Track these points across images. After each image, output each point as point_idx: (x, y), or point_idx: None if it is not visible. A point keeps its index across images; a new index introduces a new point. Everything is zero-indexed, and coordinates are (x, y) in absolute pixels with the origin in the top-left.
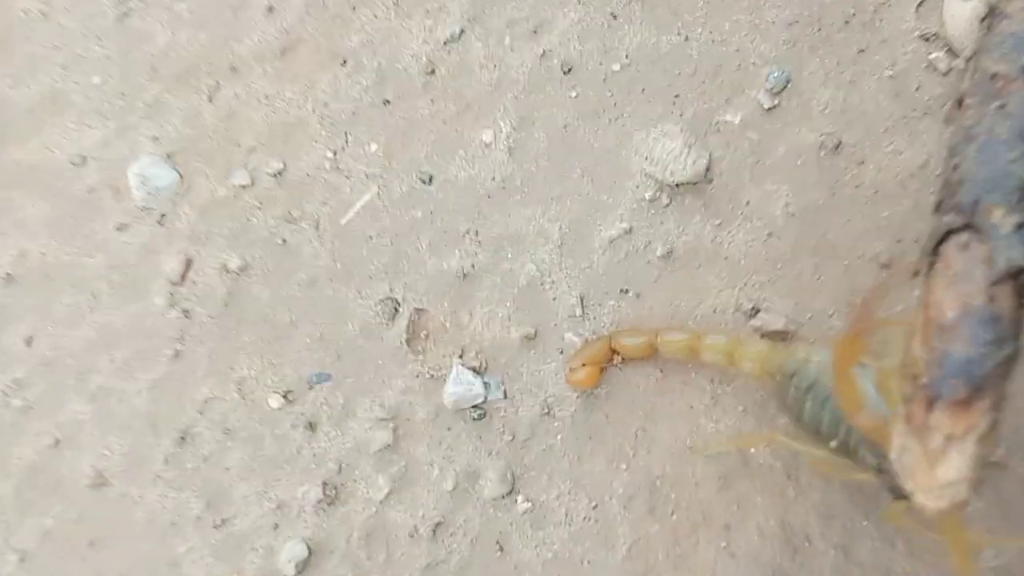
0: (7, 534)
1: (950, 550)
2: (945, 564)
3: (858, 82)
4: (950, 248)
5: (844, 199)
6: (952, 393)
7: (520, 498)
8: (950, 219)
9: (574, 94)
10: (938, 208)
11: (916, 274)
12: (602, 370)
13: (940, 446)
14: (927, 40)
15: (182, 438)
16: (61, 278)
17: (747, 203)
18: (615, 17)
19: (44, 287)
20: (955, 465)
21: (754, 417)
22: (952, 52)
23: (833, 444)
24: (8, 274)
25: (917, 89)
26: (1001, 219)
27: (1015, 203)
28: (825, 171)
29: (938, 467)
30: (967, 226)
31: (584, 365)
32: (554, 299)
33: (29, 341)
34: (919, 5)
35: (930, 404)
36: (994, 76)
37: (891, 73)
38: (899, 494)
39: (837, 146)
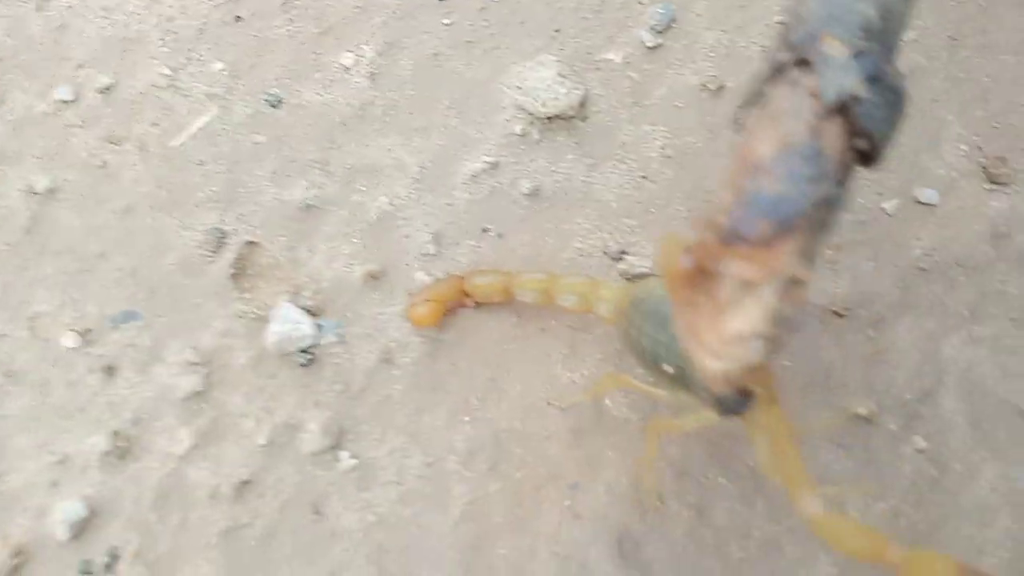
0: None
1: (759, 444)
2: (803, 531)
3: (746, 27)
4: (777, 87)
5: (723, 143)
6: (753, 231)
7: (345, 454)
8: (781, 55)
9: (448, 21)
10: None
11: (738, 124)
12: (447, 310)
13: (733, 294)
14: None
15: None
16: None
17: (622, 144)
18: None
19: None
20: (748, 316)
21: (614, 366)
22: None
23: (670, 370)
24: None
25: None
26: (837, 49)
27: (856, 39)
28: (706, 114)
29: (728, 318)
30: (799, 62)
31: (427, 300)
32: (407, 236)
33: None
34: None
35: (726, 247)
36: None
37: (779, 19)
38: (726, 408)
39: (719, 89)
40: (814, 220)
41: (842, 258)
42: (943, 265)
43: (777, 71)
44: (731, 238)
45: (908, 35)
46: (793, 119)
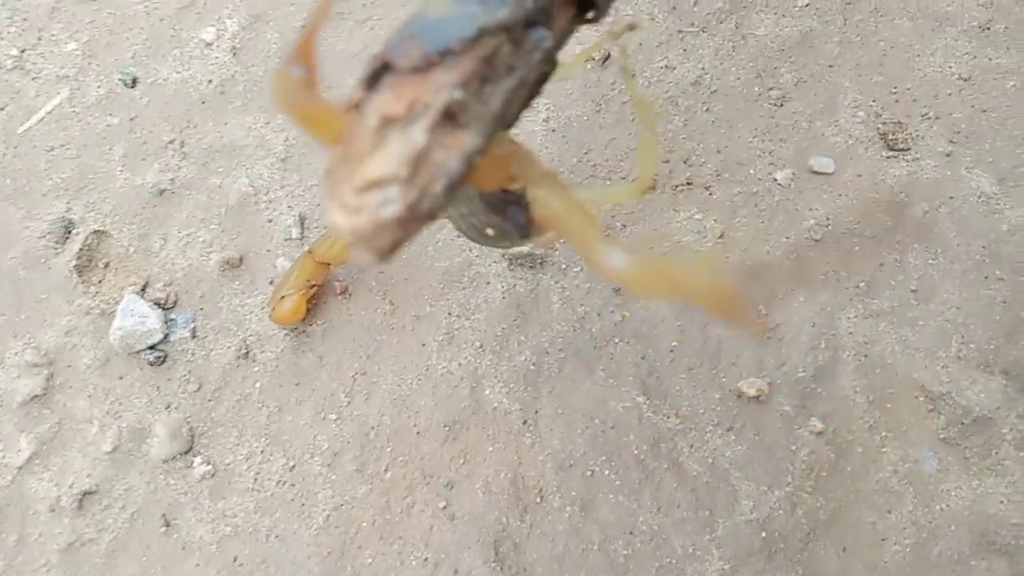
0: None
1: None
2: (696, 518)
3: None
4: None
5: (610, 116)
6: (403, 57)
7: (198, 460)
8: None
9: None
10: None
11: None
12: (310, 299)
13: (376, 136)
14: None
15: None
16: None
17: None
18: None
19: None
20: (388, 158)
21: (492, 353)
22: None
23: (490, 231)
24: None
25: (695, 3)
26: None
27: None
28: (591, 85)
29: (367, 163)
30: None
31: (285, 296)
32: (269, 220)
33: None
34: None
35: (373, 81)
36: None
37: None
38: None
39: (606, 59)
40: (491, 52)
41: (732, 232)
42: (838, 235)
43: None
44: (378, 69)
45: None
46: None
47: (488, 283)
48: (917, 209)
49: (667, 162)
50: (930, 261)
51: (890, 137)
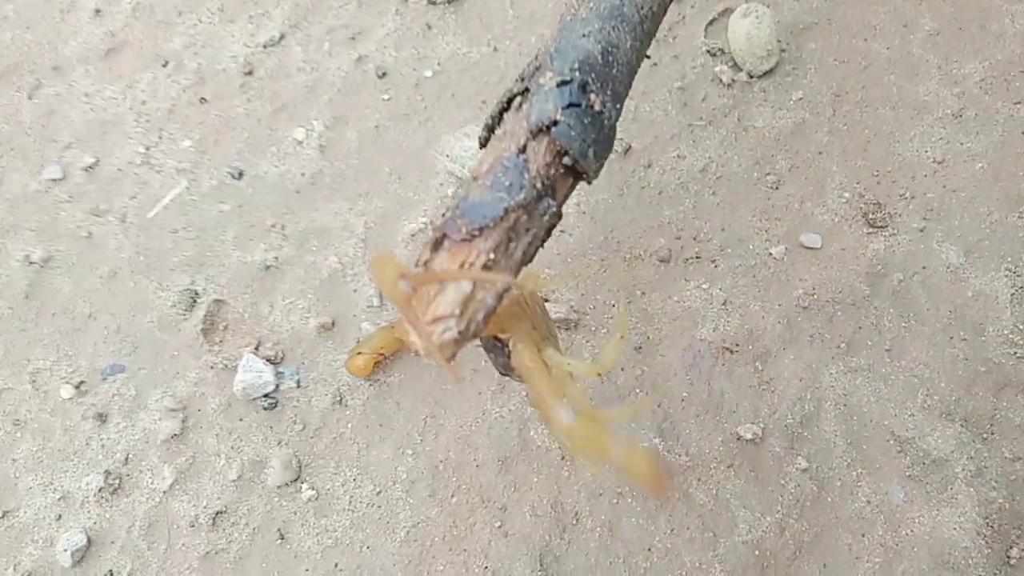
0: None
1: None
2: (702, 538)
3: (649, 93)
4: (508, 112)
5: (631, 199)
6: (454, 231)
7: (305, 486)
8: (515, 86)
9: (387, 97)
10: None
11: (482, 145)
12: (384, 358)
13: (438, 287)
14: (713, 55)
15: None
16: None
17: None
18: (430, 27)
19: None
20: (448, 301)
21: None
22: (736, 66)
23: None
24: None
25: (703, 100)
26: (548, 79)
27: (568, 70)
28: (615, 173)
29: (434, 305)
30: (524, 91)
31: (360, 353)
32: (354, 291)
33: None
34: (708, 24)
35: (436, 246)
36: None
37: (680, 85)
38: (502, 371)
39: (627, 150)
40: (513, 223)
41: (733, 299)
42: (823, 303)
43: (509, 100)
44: (439, 239)
45: (795, 94)
46: (510, 139)
47: None
48: (893, 279)
49: (679, 238)
50: (903, 324)
51: (870, 216)
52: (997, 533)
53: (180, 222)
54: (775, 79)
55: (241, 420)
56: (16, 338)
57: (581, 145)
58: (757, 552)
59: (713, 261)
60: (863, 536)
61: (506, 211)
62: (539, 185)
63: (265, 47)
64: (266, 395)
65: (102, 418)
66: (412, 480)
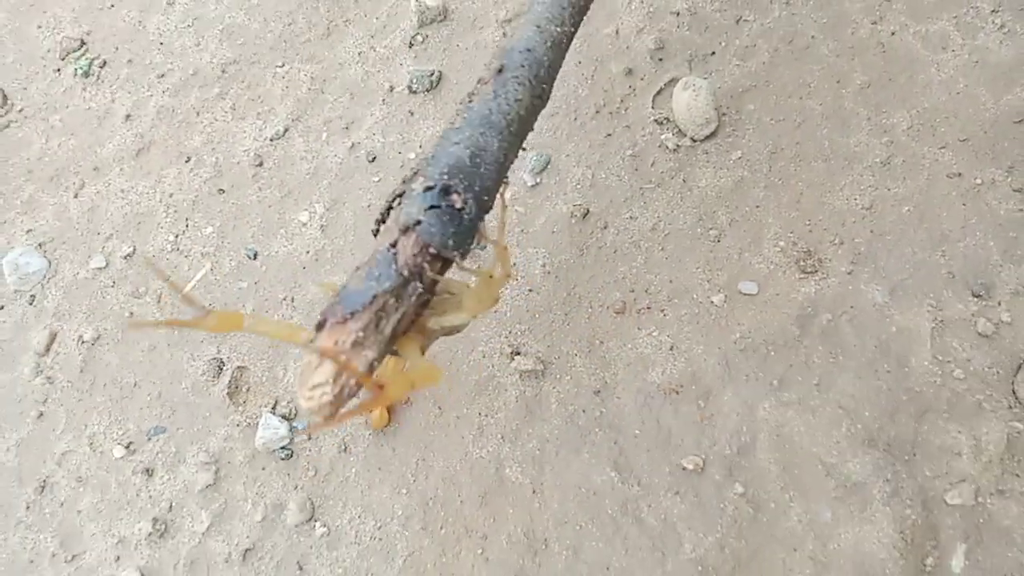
0: None
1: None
2: (652, 557)
3: (605, 161)
4: (391, 211)
5: (590, 258)
6: (332, 316)
7: (318, 524)
8: (397, 188)
9: (377, 179)
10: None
11: (375, 233)
12: (390, 408)
13: (317, 360)
14: (660, 124)
15: (42, 487)
16: None
17: (513, 265)
18: (412, 114)
19: None
20: (323, 372)
21: (509, 442)
22: (680, 132)
23: None
24: None
25: (652, 164)
26: (418, 184)
27: (438, 175)
28: (575, 235)
29: (312, 375)
30: (402, 194)
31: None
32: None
33: None
34: (655, 95)
35: (320, 327)
36: (480, 78)
37: (631, 152)
38: None
39: (585, 215)
40: (381, 306)
41: (679, 344)
42: (757, 344)
43: (390, 202)
44: (321, 322)
45: (735, 154)
46: (387, 235)
47: (506, 390)
48: (822, 319)
49: (632, 291)
50: (831, 360)
51: (802, 263)
52: (912, 546)
53: (206, 299)
54: (716, 141)
55: (263, 469)
56: (75, 407)
57: (441, 239)
58: (700, 567)
59: (662, 311)
60: (795, 551)
61: (374, 297)
62: (406, 273)
63: (272, 140)
64: (283, 447)
65: (149, 472)
66: (407, 516)
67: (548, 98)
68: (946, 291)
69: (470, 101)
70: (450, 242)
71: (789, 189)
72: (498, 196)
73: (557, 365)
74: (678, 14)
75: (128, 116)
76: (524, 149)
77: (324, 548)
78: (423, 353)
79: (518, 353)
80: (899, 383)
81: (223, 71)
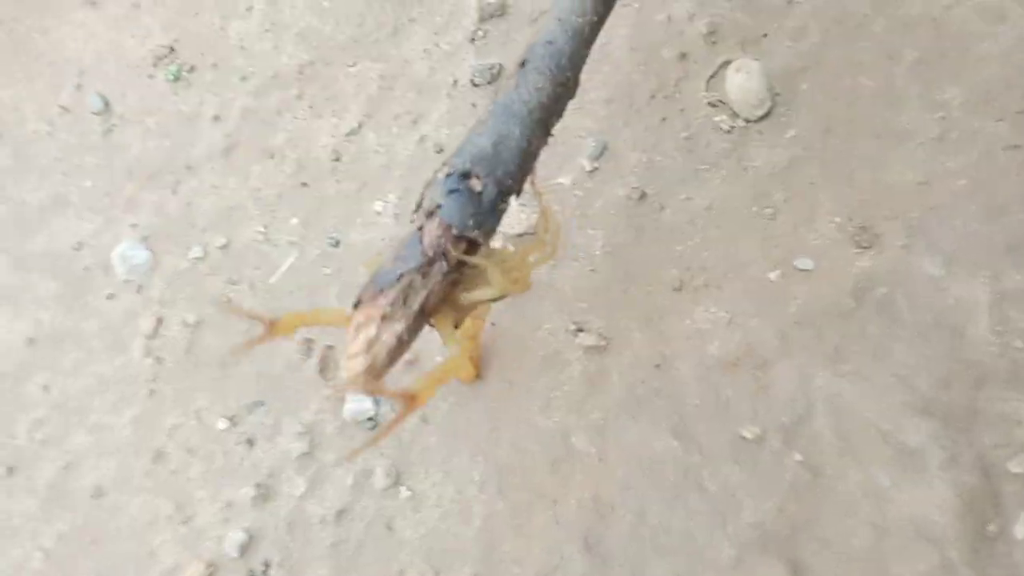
0: (34, 537)
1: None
2: (712, 521)
3: (660, 144)
4: (423, 201)
5: (647, 238)
6: (366, 294)
7: (403, 488)
8: (428, 180)
9: None
10: None
11: (420, 228)
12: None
13: (355, 331)
14: (714, 106)
15: (157, 457)
16: (67, 339)
17: (574, 246)
18: (475, 106)
19: (55, 347)
20: (359, 343)
21: (575, 413)
22: (734, 114)
23: None
24: (29, 338)
25: (707, 146)
26: (443, 172)
27: (460, 163)
28: (632, 217)
29: (349, 347)
30: (430, 183)
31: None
32: (431, 331)
33: (46, 389)
34: (709, 78)
35: (356, 305)
36: (508, 74)
37: (686, 135)
38: None
39: (642, 196)
40: (408, 283)
41: (736, 319)
42: (813, 317)
43: (423, 192)
44: (357, 301)
45: (788, 133)
46: (418, 220)
47: (570, 365)
48: (877, 292)
49: (689, 269)
50: (886, 331)
51: (857, 237)
52: (972, 511)
53: (294, 285)
54: (770, 121)
55: (352, 439)
56: (181, 385)
57: (461, 220)
58: (760, 532)
59: (719, 287)
60: (853, 516)
61: (401, 276)
62: (430, 253)
63: (347, 136)
64: (369, 418)
65: (250, 443)
66: (483, 481)
67: (576, 84)
68: (1004, 263)
69: (496, 96)
70: (470, 222)
71: (842, 166)
72: (529, 180)
73: (618, 340)
74: None
75: (215, 117)
76: (552, 135)
77: (409, 510)
78: (457, 327)
79: (581, 330)
80: (955, 353)
81: (300, 72)
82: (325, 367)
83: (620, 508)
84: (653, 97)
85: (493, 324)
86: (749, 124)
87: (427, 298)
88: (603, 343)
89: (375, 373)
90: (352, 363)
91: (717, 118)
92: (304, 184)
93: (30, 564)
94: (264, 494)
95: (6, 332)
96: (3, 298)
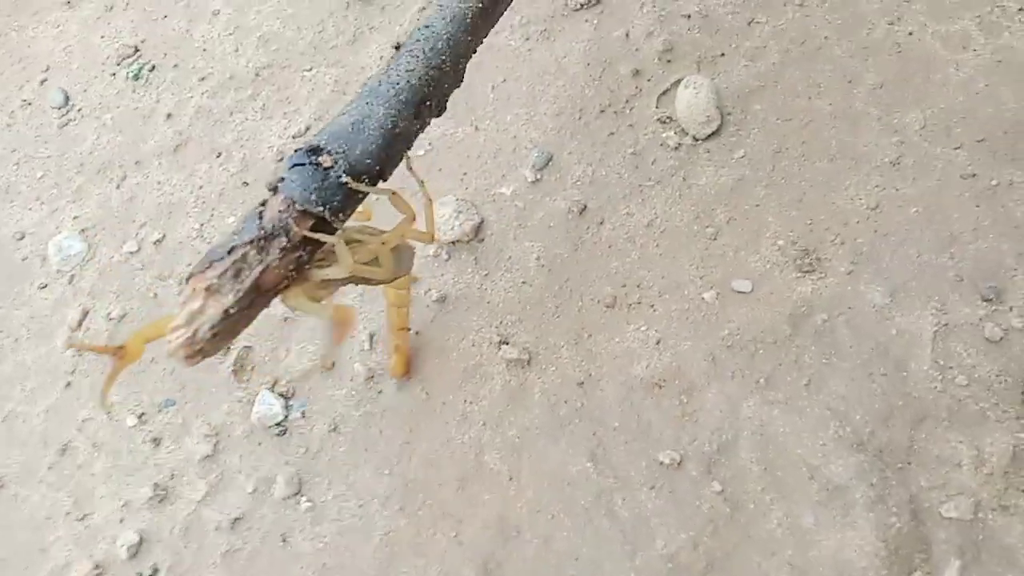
0: None
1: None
2: (622, 550)
3: (606, 159)
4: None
5: (584, 253)
6: (198, 266)
7: (304, 499)
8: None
9: None
10: None
11: (262, 204)
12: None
13: (183, 304)
14: (663, 123)
15: (63, 450)
16: None
17: (509, 257)
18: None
19: None
20: (181, 316)
21: (491, 429)
22: (683, 131)
23: None
24: None
25: (653, 163)
26: (293, 152)
27: (316, 141)
28: (571, 231)
29: (176, 316)
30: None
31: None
32: (351, 338)
33: None
34: (660, 95)
35: (187, 279)
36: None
37: (633, 151)
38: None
39: (583, 210)
40: (241, 256)
41: (666, 340)
42: (746, 342)
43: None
44: (189, 276)
45: (737, 153)
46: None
47: (492, 379)
48: (816, 319)
49: (624, 286)
50: (823, 361)
51: (799, 261)
52: (897, 556)
53: None
54: (719, 140)
55: (259, 444)
56: (99, 378)
57: (303, 194)
58: (671, 564)
59: (652, 306)
60: (773, 555)
61: (232, 249)
62: (269, 228)
63: (294, 137)
64: (277, 423)
65: (156, 442)
66: (387, 496)
67: (460, 71)
68: (953, 294)
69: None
70: (313, 197)
71: (791, 188)
72: (405, 164)
73: (543, 356)
74: (689, 17)
75: (169, 115)
76: (526, 147)
77: (308, 523)
78: (319, 302)
79: (506, 343)
80: (895, 387)
81: (257, 74)
82: (240, 368)
83: (527, 531)
84: (603, 111)
85: (417, 333)
86: (697, 142)
87: (263, 273)
88: (527, 357)
89: (196, 346)
90: (173, 336)
91: (665, 135)
92: (246, 183)
93: None
94: (162, 495)
95: None
96: None
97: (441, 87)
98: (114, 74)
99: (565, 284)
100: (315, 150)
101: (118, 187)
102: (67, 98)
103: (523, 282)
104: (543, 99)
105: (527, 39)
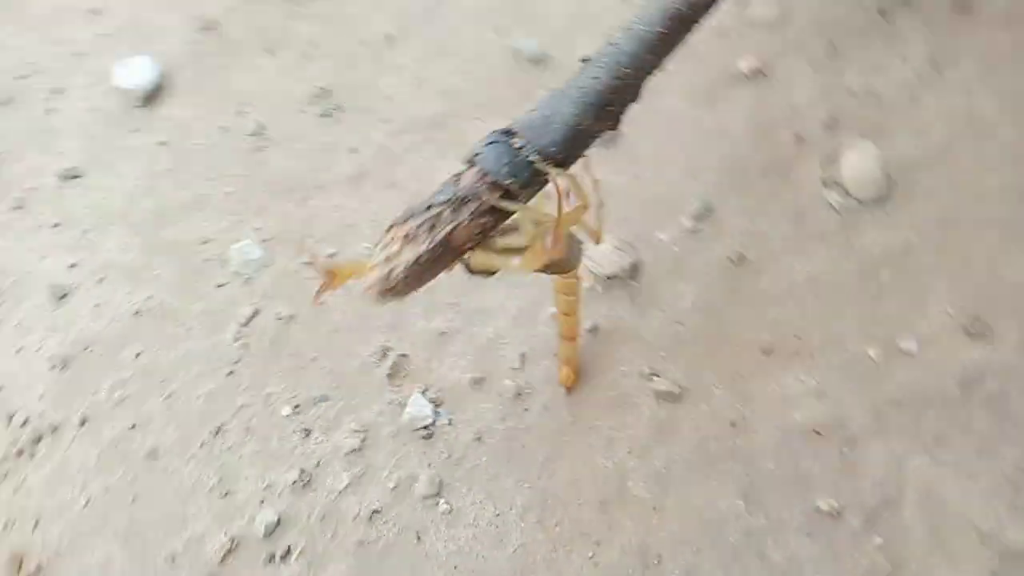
0: (84, 486)
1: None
2: None
3: (767, 214)
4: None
5: (742, 299)
6: (399, 219)
7: (442, 501)
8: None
9: None
10: None
11: (457, 175)
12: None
13: (382, 248)
14: (827, 185)
15: (217, 431)
16: (171, 317)
17: (663, 298)
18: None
19: (158, 321)
20: (379, 256)
21: (636, 457)
22: (847, 193)
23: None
24: (137, 311)
25: (815, 221)
26: (490, 132)
27: (515, 128)
28: (729, 278)
29: (374, 257)
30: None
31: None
32: (503, 356)
33: (137, 356)
34: (824, 159)
35: (389, 230)
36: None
37: (795, 208)
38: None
39: (741, 260)
40: (437, 213)
41: (827, 390)
42: (913, 400)
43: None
44: (390, 226)
45: (903, 218)
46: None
47: (639, 408)
48: (988, 386)
49: (782, 335)
50: (994, 427)
51: (969, 327)
52: None
53: (393, 303)
54: (885, 206)
55: (405, 444)
56: (259, 371)
57: (496, 167)
58: None
59: (811, 356)
60: None
61: (430, 206)
62: (464, 193)
63: None
64: (425, 427)
65: (307, 432)
66: (525, 508)
67: (639, 88)
68: None
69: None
70: (503, 170)
71: (959, 257)
72: (582, 163)
73: (695, 393)
74: (854, 92)
75: (352, 149)
76: (686, 197)
77: (444, 524)
78: (493, 274)
79: (656, 375)
80: None
81: (433, 121)
82: (395, 373)
83: (668, 561)
84: (765, 171)
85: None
86: (862, 205)
87: (453, 230)
88: (677, 390)
89: (389, 284)
90: (371, 273)
91: (828, 196)
92: None
93: (72, 508)
94: (306, 481)
95: (119, 303)
96: (127, 273)
97: (622, 97)
98: (304, 111)
99: (720, 328)
100: (508, 132)
101: (300, 206)
102: (261, 127)
103: (677, 322)
104: (705, 157)
105: (691, 103)
